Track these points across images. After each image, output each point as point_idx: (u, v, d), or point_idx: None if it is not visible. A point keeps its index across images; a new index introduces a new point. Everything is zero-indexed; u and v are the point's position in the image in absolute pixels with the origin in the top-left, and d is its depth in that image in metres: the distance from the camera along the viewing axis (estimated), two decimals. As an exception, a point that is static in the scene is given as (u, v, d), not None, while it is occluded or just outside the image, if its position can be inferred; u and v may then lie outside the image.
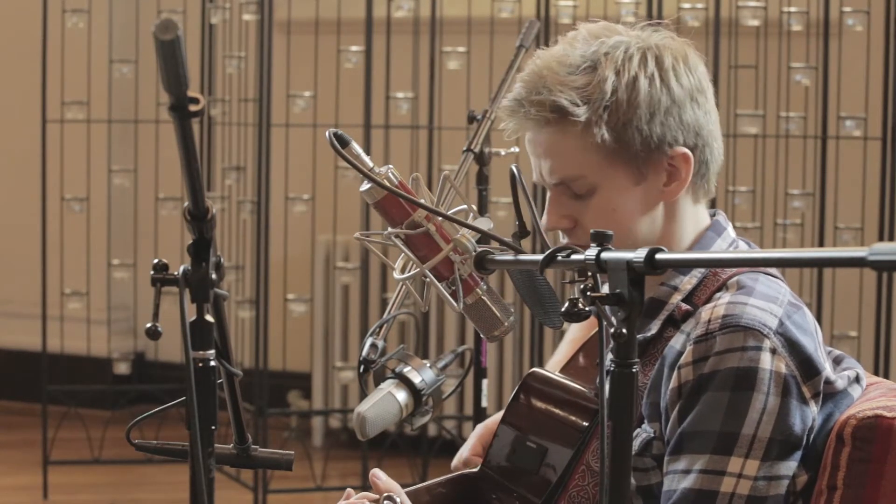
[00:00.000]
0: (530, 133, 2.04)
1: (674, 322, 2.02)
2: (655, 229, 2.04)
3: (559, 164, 2.02)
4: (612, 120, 1.98)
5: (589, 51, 2.01)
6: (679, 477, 1.92)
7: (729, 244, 2.09)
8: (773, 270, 2.06)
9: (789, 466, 1.93)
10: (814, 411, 1.95)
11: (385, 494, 2.04)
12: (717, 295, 1.99)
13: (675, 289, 2.03)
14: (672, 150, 2.01)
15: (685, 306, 2.01)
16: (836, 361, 2.12)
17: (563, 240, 2.07)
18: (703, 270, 2.03)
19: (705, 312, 1.96)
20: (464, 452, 2.33)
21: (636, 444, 2.01)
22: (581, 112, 1.97)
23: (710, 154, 2.05)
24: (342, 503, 2.10)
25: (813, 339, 1.96)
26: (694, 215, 2.08)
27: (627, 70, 1.99)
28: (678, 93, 2.00)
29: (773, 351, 1.91)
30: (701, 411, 1.91)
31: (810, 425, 1.94)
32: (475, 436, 2.35)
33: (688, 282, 2.03)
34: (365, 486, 4.47)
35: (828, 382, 1.96)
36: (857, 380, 2.06)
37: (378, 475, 2.07)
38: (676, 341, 1.98)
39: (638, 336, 2.01)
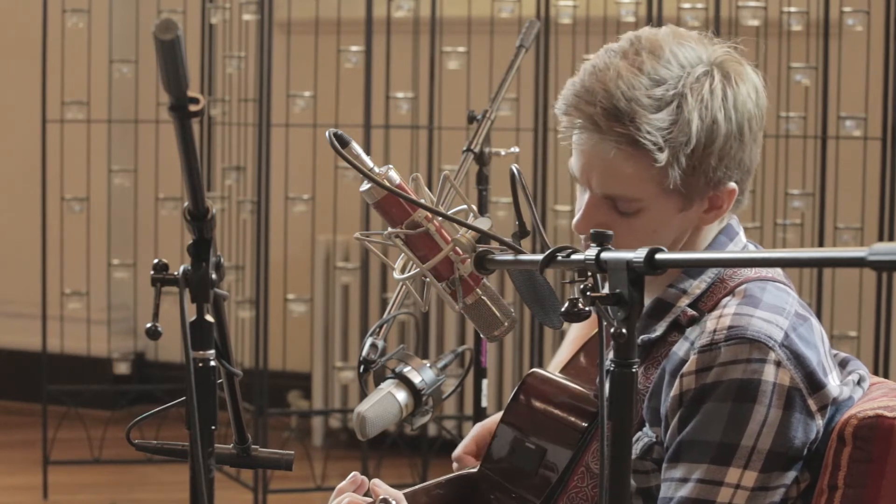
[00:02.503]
0: (592, 139, 1.99)
1: (679, 326, 2.02)
2: (680, 240, 2.06)
3: (615, 183, 1.99)
4: (687, 164, 1.96)
5: (675, 78, 1.96)
6: (676, 485, 1.92)
7: (741, 249, 2.09)
8: (782, 277, 2.05)
9: (787, 476, 1.92)
10: (819, 425, 1.94)
11: (381, 497, 2.04)
12: (724, 301, 1.99)
13: (684, 292, 2.03)
14: (724, 186, 2.01)
15: (691, 311, 2.00)
16: (842, 364, 2.12)
17: (582, 240, 2.05)
18: (711, 276, 2.03)
19: (710, 322, 1.95)
20: (457, 451, 2.34)
21: (637, 447, 2.01)
22: (662, 158, 1.95)
23: (748, 182, 2.06)
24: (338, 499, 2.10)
25: (818, 352, 1.96)
26: (716, 229, 2.09)
27: (710, 111, 1.96)
28: (747, 134, 2.00)
29: (778, 363, 1.91)
30: (702, 421, 1.91)
31: (813, 438, 1.94)
32: (471, 435, 2.35)
33: (696, 286, 2.03)
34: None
35: (834, 398, 1.96)
36: (860, 382, 2.06)
37: (378, 484, 2.07)
38: (679, 348, 1.98)
39: (643, 337, 2.01)
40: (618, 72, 1.96)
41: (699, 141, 1.96)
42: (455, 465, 2.34)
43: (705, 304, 2.01)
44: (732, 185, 2.02)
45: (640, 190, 1.98)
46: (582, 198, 2.05)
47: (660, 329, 2.02)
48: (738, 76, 2.00)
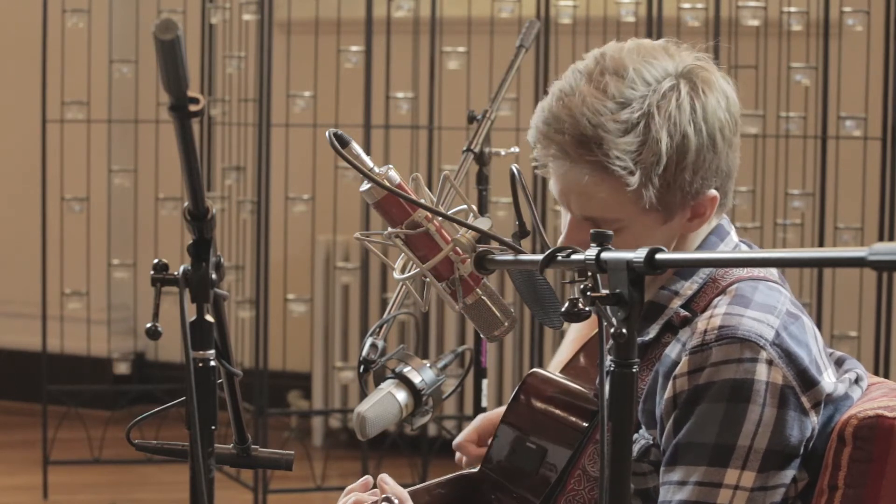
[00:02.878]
0: (565, 166, 1.99)
1: (672, 328, 2.02)
2: (667, 246, 2.05)
3: (592, 206, 1.99)
4: (661, 183, 1.96)
5: (638, 98, 1.95)
6: (675, 488, 1.92)
7: (731, 249, 2.09)
8: (775, 276, 2.05)
9: (786, 475, 1.92)
10: (814, 422, 1.94)
11: (384, 496, 2.04)
12: (715, 301, 1.99)
13: (676, 293, 2.03)
14: (704, 195, 2.01)
15: (684, 312, 2.00)
16: (838, 363, 2.12)
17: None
18: (703, 276, 2.03)
19: (701, 323, 1.95)
20: (458, 438, 2.35)
21: (634, 449, 2.01)
22: (634, 181, 1.94)
23: (730, 185, 2.05)
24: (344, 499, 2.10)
25: (810, 351, 1.95)
26: (704, 232, 2.08)
27: (678, 126, 1.95)
28: (720, 142, 1.98)
29: (770, 362, 1.91)
30: (696, 423, 1.91)
31: (809, 435, 1.94)
32: (473, 424, 2.36)
33: (688, 287, 2.03)
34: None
35: (828, 394, 1.96)
36: (858, 381, 2.06)
37: (386, 480, 2.07)
38: (672, 350, 1.98)
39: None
40: (583, 97, 1.96)
41: (670, 158, 1.95)
42: (457, 454, 2.34)
43: (697, 304, 2.01)
44: (712, 192, 2.01)
45: (618, 211, 1.98)
46: (565, 217, 2.05)
47: (653, 331, 2.02)
48: (707, 85, 1.99)
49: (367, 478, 2.12)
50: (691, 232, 2.05)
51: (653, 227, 2.00)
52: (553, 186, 2.04)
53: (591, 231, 1.63)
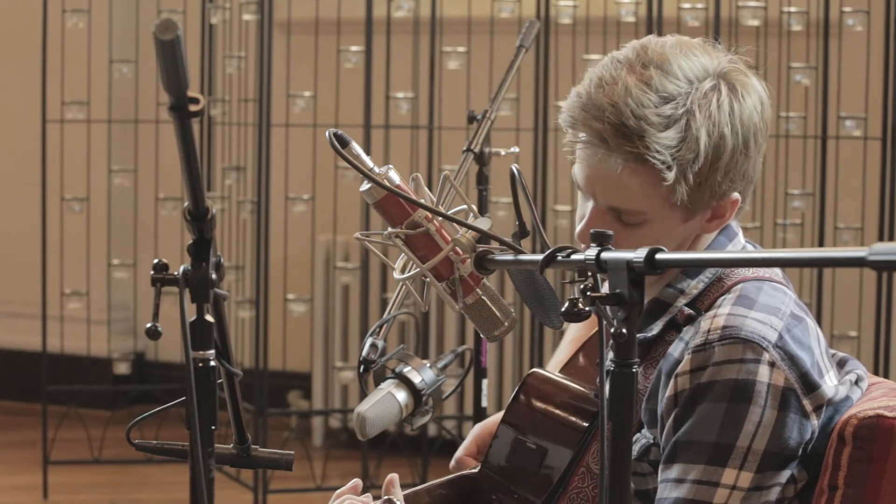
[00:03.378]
0: (598, 153, 1.98)
1: (676, 325, 2.02)
2: (682, 245, 2.06)
3: (621, 197, 1.99)
4: (694, 180, 1.96)
5: (682, 94, 1.96)
6: (672, 486, 1.92)
7: (739, 249, 2.09)
8: (779, 277, 2.05)
9: (782, 475, 1.92)
10: (814, 425, 1.94)
11: (385, 497, 2.04)
12: (720, 301, 1.99)
13: (682, 292, 2.03)
14: (727, 198, 2.02)
15: (688, 310, 2.00)
16: (840, 364, 2.12)
17: (582, 247, 2.05)
18: (709, 276, 2.03)
19: (705, 322, 1.95)
20: (458, 453, 2.33)
21: (635, 449, 2.01)
22: (670, 176, 1.95)
23: (750, 190, 2.06)
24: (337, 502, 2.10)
25: (812, 353, 1.95)
26: (715, 233, 2.09)
27: (717, 126, 1.96)
28: (752, 146, 1.99)
29: (772, 364, 1.91)
30: (697, 421, 1.91)
31: (808, 438, 1.94)
32: (472, 435, 2.35)
33: (694, 286, 2.03)
34: (365, 486, 4.46)
35: (829, 398, 1.96)
36: (858, 382, 2.06)
37: (395, 483, 2.07)
38: (675, 349, 1.98)
39: (639, 335, 2.01)
40: (626, 87, 1.95)
41: (706, 157, 1.95)
42: (452, 464, 2.33)
43: (702, 303, 2.01)
44: (736, 195, 2.02)
45: (646, 204, 1.98)
46: (584, 205, 2.04)
47: (656, 328, 2.02)
48: (745, 88, 2.00)
49: (357, 481, 2.12)
50: (708, 232, 2.05)
51: (674, 224, 2.01)
52: (579, 172, 2.03)
53: (591, 231, 1.63)
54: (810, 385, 1.93)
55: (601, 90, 1.97)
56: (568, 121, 2.00)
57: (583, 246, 2.01)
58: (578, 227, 2.04)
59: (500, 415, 2.23)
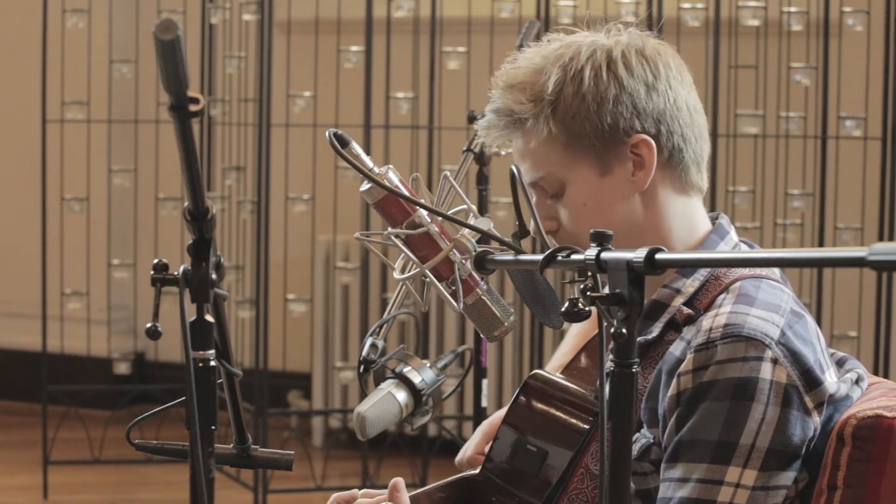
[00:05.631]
0: (508, 142, 2.07)
1: (675, 325, 2.01)
2: (636, 221, 2.03)
3: (528, 165, 2.04)
4: (559, 113, 1.99)
5: (540, 55, 2.03)
6: (676, 485, 1.92)
7: (732, 248, 2.08)
8: (777, 275, 2.05)
9: (787, 476, 1.92)
10: (816, 422, 1.93)
11: (386, 501, 2.04)
12: (719, 299, 1.98)
13: (678, 291, 2.02)
14: (630, 137, 2.00)
15: (687, 310, 2.00)
16: (839, 364, 2.11)
17: (552, 244, 2.06)
18: (705, 274, 2.02)
19: (706, 321, 1.95)
20: (468, 450, 2.33)
21: (635, 448, 2.00)
22: (527, 110, 1.99)
23: (680, 141, 2.02)
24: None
25: (814, 350, 1.95)
26: (682, 208, 2.05)
27: (574, 66, 2.00)
28: (627, 81, 2.00)
29: (775, 361, 1.90)
30: (699, 420, 1.91)
31: (811, 435, 1.94)
32: (480, 432, 2.35)
33: (690, 285, 2.02)
34: (365, 486, 4.47)
35: (830, 395, 1.96)
36: (858, 381, 2.06)
37: (399, 488, 2.06)
38: (676, 348, 1.97)
39: (639, 338, 2.01)
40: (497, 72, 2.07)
41: (564, 90, 1.99)
42: (458, 457, 2.33)
43: (700, 302, 2.01)
44: (643, 136, 2.00)
45: (544, 160, 2.01)
46: None
47: (656, 330, 2.02)
48: (615, 42, 2.04)
49: (355, 491, 2.13)
50: (640, 188, 2.02)
51: (592, 182, 2.01)
52: None
53: (591, 231, 1.63)
54: (812, 382, 1.92)
55: None
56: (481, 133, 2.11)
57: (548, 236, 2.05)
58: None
59: (505, 409, 2.23)
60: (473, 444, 2.33)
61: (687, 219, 2.06)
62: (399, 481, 2.07)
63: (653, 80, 2.01)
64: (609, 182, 2.01)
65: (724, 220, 2.10)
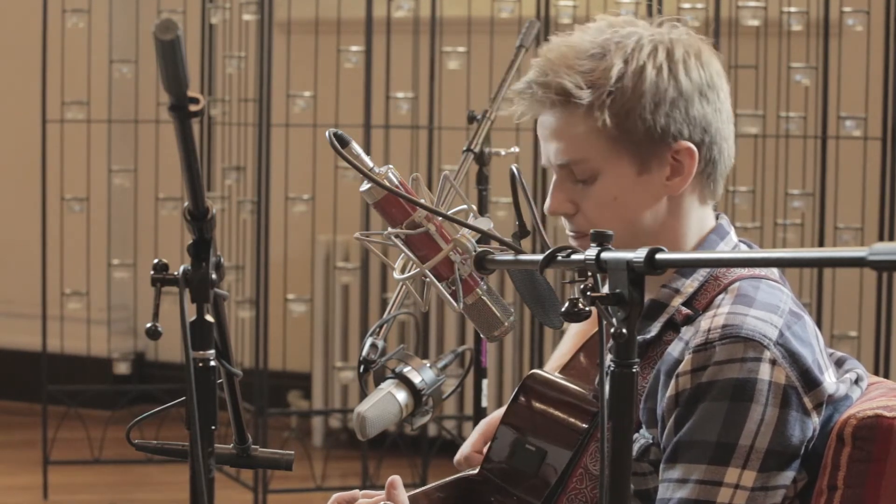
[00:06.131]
0: (540, 117, 2.04)
1: (674, 325, 2.01)
2: (657, 224, 2.03)
3: (564, 147, 2.01)
4: (616, 106, 1.97)
5: (600, 38, 2.00)
6: (675, 486, 1.92)
7: (731, 248, 2.08)
8: (775, 275, 2.05)
9: (786, 476, 1.92)
10: (815, 422, 1.93)
11: (385, 502, 2.04)
12: (718, 299, 1.98)
13: (677, 291, 2.02)
14: (676, 143, 2.00)
15: (686, 310, 2.00)
16: (839, 364, 2.11)
17: (565, 225, 2.06)
18: (704, 274, 2.02)
19: (705, 321, 1.95)
20: (466, 449, 2.33)
21: (634, 449, 2.00)
22: (584, 95, 1.97)
23: (717, 153, 2.03)
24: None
25: (812, 350, 1.95)
26: (699, 216, 2.07)
27: (636, 59, 1.98)
28: (686, 86, 1.99)
29: (773, 362, 1.90)
30: (698, 421, 1.91)
31: (810, 436, 1.94)
32: (478, 431, 2.35)
33: (689, 285, 2.02)
34: (364, 486, 4.47)
35: (830, 395, 1.96)
36: (858, 381, 2.06)
37: (396, 486, 2.06)
38: (674, 348, 1.97)
39: (637, 338, 2.01)
40: (549, 45, 2.04)
41: (624, 84, 1.97)
42: (458, 460, 2.33)
43: (699, 302, 2.01)
44: (688, 143, 2.00)
45: (585, 147, 2.00)
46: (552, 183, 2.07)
47: (654, 329, 2.02)
48: (674, 40, 2.02)
49: (356, 492, 2.12)
50: (673, 193, 2.02)
51: (627, 177, 2.00)
52: (541, 151, 2.07)
53: (591, 231, 1.62)
54: (811, 382, 1.92)
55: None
56: (515, 100, 2.06)
57: (567, 231, 2.05)
58: (545, 204, 2.05)
59: (504, 410, 2.23)
60: (471, 443, 2.33)
61: (699, 223, 2.07)
62: (396, 479, 2.07)
63: (706, 89, 2.01)
64: (644, 182, 2.01)
65: (724, 220, 2.10)
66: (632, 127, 1.98)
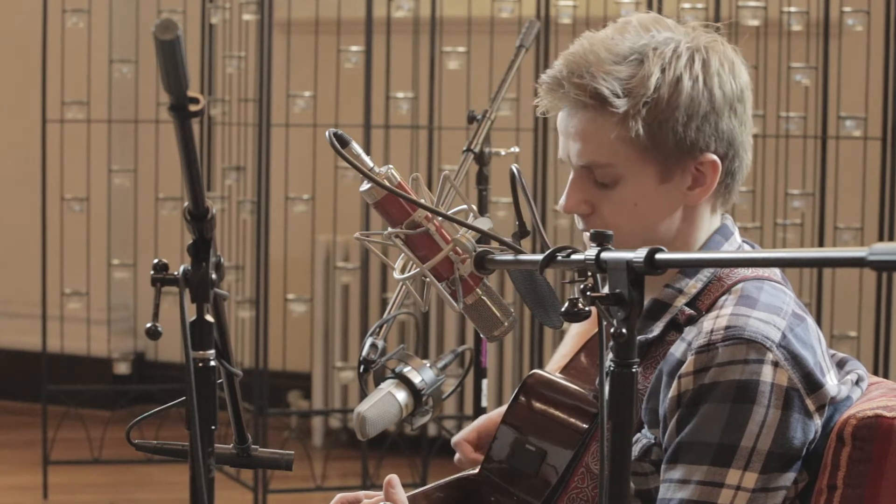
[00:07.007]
0: (564, 112, 2.03)
1: (676, 326, 2.01)
2: (671, 231, 2.04)
3: (589, 149, 2.01)
4: (650, 117, 1.97)
5: (639, 43, 1.99)
6: (676, 486, 1.92)
7: (735, 249, 2.08)
8: (778, 276, 2.05)
9: (788, 478, 1.92)
10: (817, 424, 1.93)
11: (384, 502, 2.04)
12: (721, 300, 1.98)
13: (680, 291, 2.02)
14: (703, 155, 2.00)
15: (689, 311, 2.00)
16: (840, 365, 2.11)
17: (579, 224, 2.06)
18: (708, 274, 2.02)
19: (707, 322, 1.95)
20: (457, 437, 2.35)
21: (636, 449, 2.00)
22: (621, 104, 1.96)
23: (738, 165, 2.04)
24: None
25: (814, 353, 1.95)
26: (709, 224, 2.07)
27: (673, 68, 1.97)
28: (719, 99, 1.99)
29: (776, 364, 1.90)
30: (700, 422, 1.91)
31: (812, 438, 1.93)
32: (474, 424, 2.36)
33: (692, 285, 2.02)
34: (364, 486, 4.47)
35: (832, 397, 1.96)
36: (859, 382, 2.06)
37: (394, 484, 2.07)
38: (677, 349, 1.97)
39: (640, 337, 2.01)
40: (584, 41, 2.02)
41: (661, 94, 1.96)
42: (456, 455, 2.35)
43: (702, 303, 2.01)
44: (713, 156, 2.01)
45: (612, 152, 1.99)
46: (569, 181, 2.06)
47: (657, 329, 2.02)
48: (711, 48, 2.01)
49: (359, 493, 2.13)
50: (694, 203, 2.03)
51: (650, 185, 2.00)
52: (560, 146, 2.06)
53: (591, 231, 1.63)
54: (813, 384, 1.92)
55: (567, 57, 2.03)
56: (542, 94, 2.04)
57: (581, 229, 2.04)
58: (561, 199, 2.05)
59: (505, 408, 2.23)
60: (464, 431, 2.35)
61: (709, 231, 2.07)
62: (394, 478, 2.07)
63: (736, 103, 2.02)
64: (665, 190, 2.02)
65: (728, 220, 2.10)
66: (663, 138, 1.98)
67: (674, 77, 1.97)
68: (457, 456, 2.38)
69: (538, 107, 2.07)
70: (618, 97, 1.96)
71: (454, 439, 2.37)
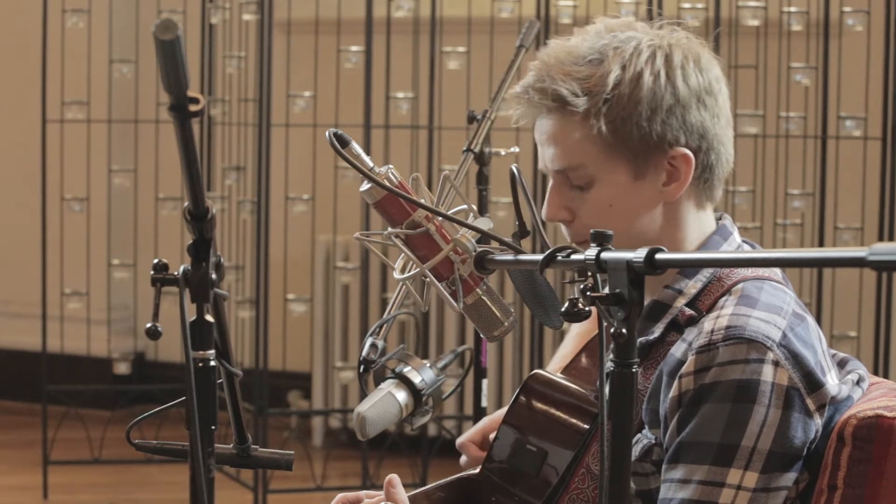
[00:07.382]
0: (537, 121, 2.04)
1: (677, 326, 2.01)
2: (653, 230, 2.03)
3: (560, 153, 2.02)
4: (612, 113, 1.97)
5: (599, 43, 2.00)
6: (677, 486, 1.92)
7: (735, 249, 2.08)
8: (779, 276, 2.05)
9: (788, 478, 1.92)
10: (818, 424, 1.93)
11: (384, 502, 2.04)
12: (721, 301, 1.98)
13: (680, 292, 2.02)
14: (673, 149, 2.00)
15: (689, 311, 2.00)
16: (841, 365, 2.11)
17: (565, 233, 2.07)
18: (707, 275, 2.02)
19: (708, 322, 1.94)
20: (462, 438, 2.35)
21: (636, 449, 2.00)
22: (581, 103, 1.97)
23: (715, 159, 2.03)
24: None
25: (815, 352, 1.95)
26: (697, 221, 2.06)
27: (633, 65, 1.97)
28: (683, 92, 1.99)
29: (776, 363, 1.90)
30: (701, 422, 1.91)
31: (812, 437, 1.93)
32: (479, 425, 2.36)
33: (692, 286, 2.02)
34: (365, 486, 4.47)
35: (832, 397, 1.96)
36: (859, 382, 2.06)
37: (394, 484, 2.06)
38: (677, 349, 1.97)
39: (640, 339, 2.01)
40: (548, 49, 2.04)
41: (621, 91, 1.97)
42: (462, 457, 2.35)
43: (702, 303, 2.01)
44: (684, 150, 2.00)
45: (581, 153, 1.99)
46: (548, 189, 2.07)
47: (658, 330, 2.02)
48: (673, 45, 2.01)
49: (360, 493, 2.13)
50: (671, 199, 2.02)
51: (624, 185, 2.00)
52: (539, 155, 2.07)
53: (591, 231, 1.62)
54: (814, 384, 1.92)
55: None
56: (513, 105, 2.05)
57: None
58: (542, 210, 2.05)
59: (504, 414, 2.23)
60: (468, 433, 2.35)
61: (699, 228, 2.07)
62: (394, 477, 2.07)
63: (704, 95, 2.01)
64: (640, 188, 2.01)
65: (727, 220, 2.10)
66: (628, 134, 1.98)
67: (634, 73, 1.97)
68: (462, 458, 2.37)
69: (512, 118, 2.08)
70: (577, 96, 1.97)
71: (459, 441, 2.37)
